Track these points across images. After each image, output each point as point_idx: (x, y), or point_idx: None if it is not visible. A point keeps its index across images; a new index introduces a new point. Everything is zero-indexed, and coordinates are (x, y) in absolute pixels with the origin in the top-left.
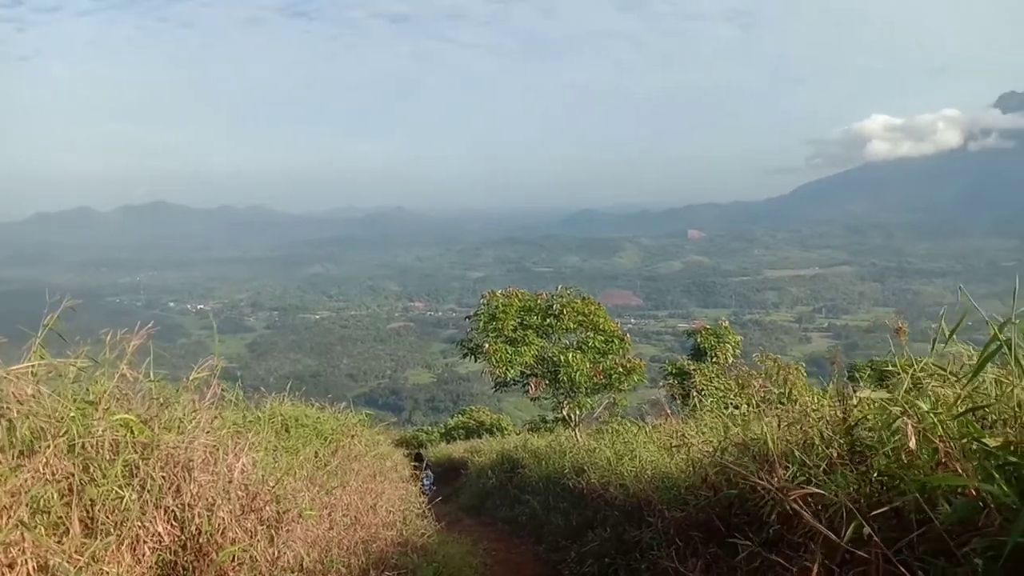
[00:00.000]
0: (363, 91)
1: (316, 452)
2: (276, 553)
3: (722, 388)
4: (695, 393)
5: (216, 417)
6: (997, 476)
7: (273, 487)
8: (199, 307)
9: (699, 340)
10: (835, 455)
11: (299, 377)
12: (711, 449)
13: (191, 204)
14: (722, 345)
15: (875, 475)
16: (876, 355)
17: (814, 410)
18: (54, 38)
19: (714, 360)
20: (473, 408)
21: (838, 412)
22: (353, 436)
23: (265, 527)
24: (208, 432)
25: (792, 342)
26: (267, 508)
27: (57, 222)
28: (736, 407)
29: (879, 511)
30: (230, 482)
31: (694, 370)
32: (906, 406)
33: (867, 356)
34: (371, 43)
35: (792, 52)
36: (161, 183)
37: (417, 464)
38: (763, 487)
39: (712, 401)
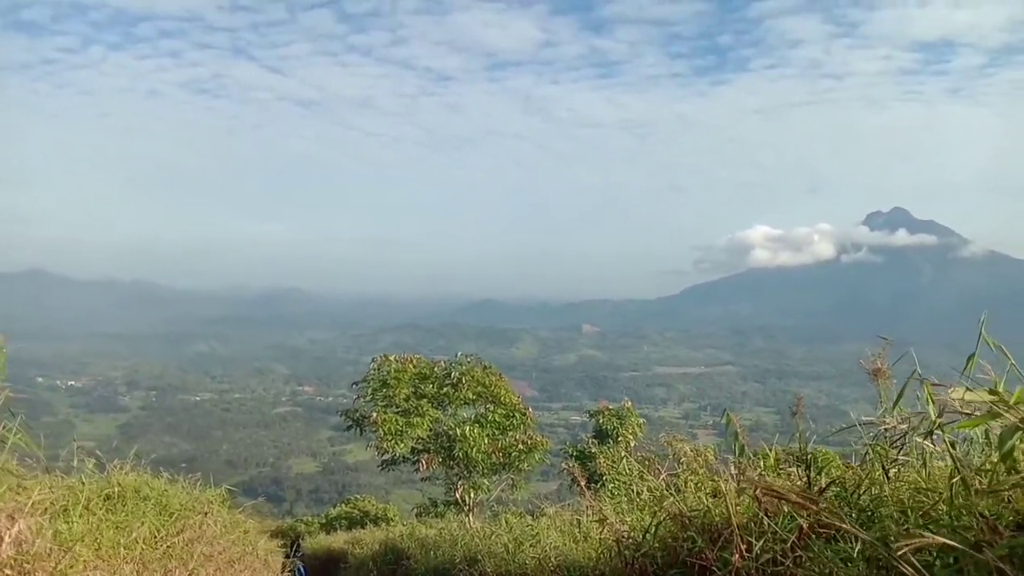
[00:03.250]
0: (264, 171)
1: (156, 530)
2: None
3: (626, 472)
4: (599, 477)
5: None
6: None
7: (59, 563)
8: (69, 383)
9: (601, 421)
10: (805, 526)
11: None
12: (635, 527)
13: (73, 275)
14: (625, 427)
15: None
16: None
17: (771, 475)
18: None
19: (618, 442)
20: (358, 498)
21: (800, 478)
22: (206, 514)
23: None
24: None
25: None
26: None
27: None
28: (639, 493)
29: None
30: None
31: (595, 453)
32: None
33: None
34: (275, 125)
35: (682, 163)
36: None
37: (290, 554)
38: (709, 567)
39: (614, 487)
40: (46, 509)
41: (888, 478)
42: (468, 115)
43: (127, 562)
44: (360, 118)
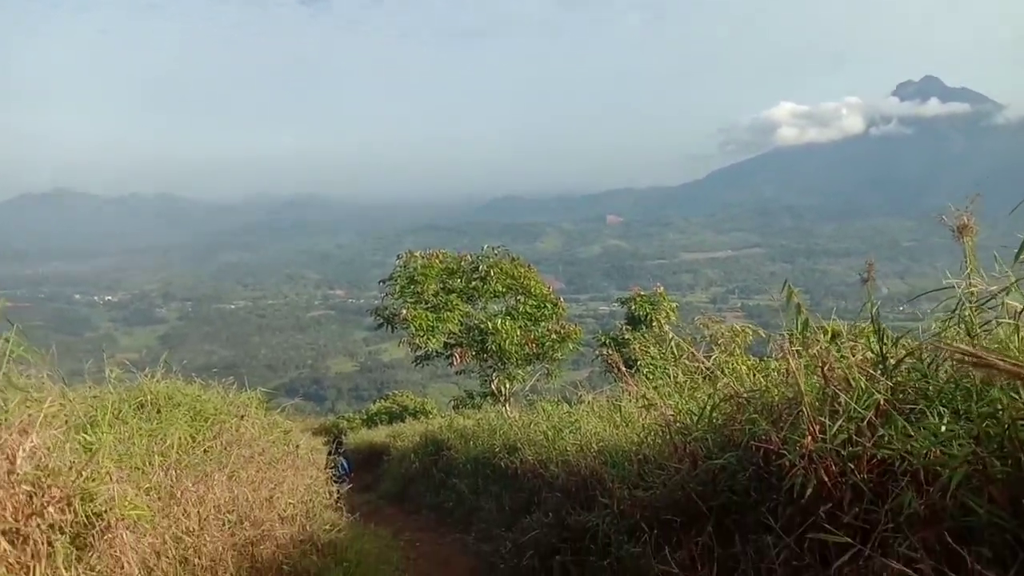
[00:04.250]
0: (273, 79)
1: (191, 436)
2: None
3: (660, 357)
4: (633, 363)
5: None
6: None
7: (79, 478)
8: (107, 299)
9: (634, 307)
10: (882, 402)
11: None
12: (680, 410)
13: (96, 192)
14: (658, 312)
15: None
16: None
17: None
18: None
19: (651, 327)
20: (396, 393)
21: (872, 350)
22: (243, 417)
23: (65, 536)
24: None
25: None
26: (69, 508)
27: None
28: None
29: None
30: (10, 473)
31: (629, 339)
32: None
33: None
34: (280, 28)
35: (701, 42)
36: (64, 170)
37: (333, 450)
38: (776, 450)
39: (649, 371)
40: (65, 421)
41: (975, 345)
42: (475, 4)
43: (161, 469)
44: (365, 15)
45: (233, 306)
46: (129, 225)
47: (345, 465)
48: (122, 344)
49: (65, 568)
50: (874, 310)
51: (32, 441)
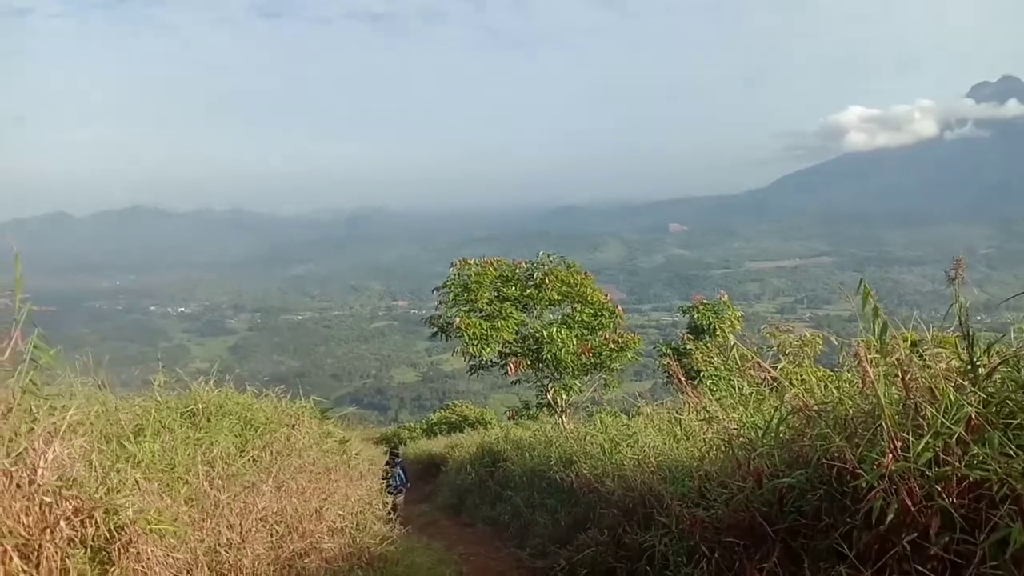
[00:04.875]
0: (337, 91)
1: (240, 446)
2: None
3: (723, 367)
4: (696, 373)
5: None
6: None
7: (102, 489)
8: (180, 310)
9: (696, 317)
10: (973, 416)
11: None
12: (744, 424)
13: (169, 208)
14: (722, 321)
15: None
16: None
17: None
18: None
19: (715, 337)
20: (456, 403)
21: (961, 357)
22: (294, 426)
23: (85, 551)
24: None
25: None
26: (90, 521)
27: (33, 227)
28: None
29: None
30: (31, 483)
31: (691, 349)
32: None
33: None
34: (344, 43)
35: (765, 45)
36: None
37: (390, 461)
38: (851, 469)
39: (712, 383)
40: (100, 431)
41: None
42: (534, 14)
43: (205, 480)
44: (427, 28)
45: (300, 317)
46: (201, 239)
47: (402, 475)
48: (194, 354)
49: None
50: (963, 312)
51: (55, 451)
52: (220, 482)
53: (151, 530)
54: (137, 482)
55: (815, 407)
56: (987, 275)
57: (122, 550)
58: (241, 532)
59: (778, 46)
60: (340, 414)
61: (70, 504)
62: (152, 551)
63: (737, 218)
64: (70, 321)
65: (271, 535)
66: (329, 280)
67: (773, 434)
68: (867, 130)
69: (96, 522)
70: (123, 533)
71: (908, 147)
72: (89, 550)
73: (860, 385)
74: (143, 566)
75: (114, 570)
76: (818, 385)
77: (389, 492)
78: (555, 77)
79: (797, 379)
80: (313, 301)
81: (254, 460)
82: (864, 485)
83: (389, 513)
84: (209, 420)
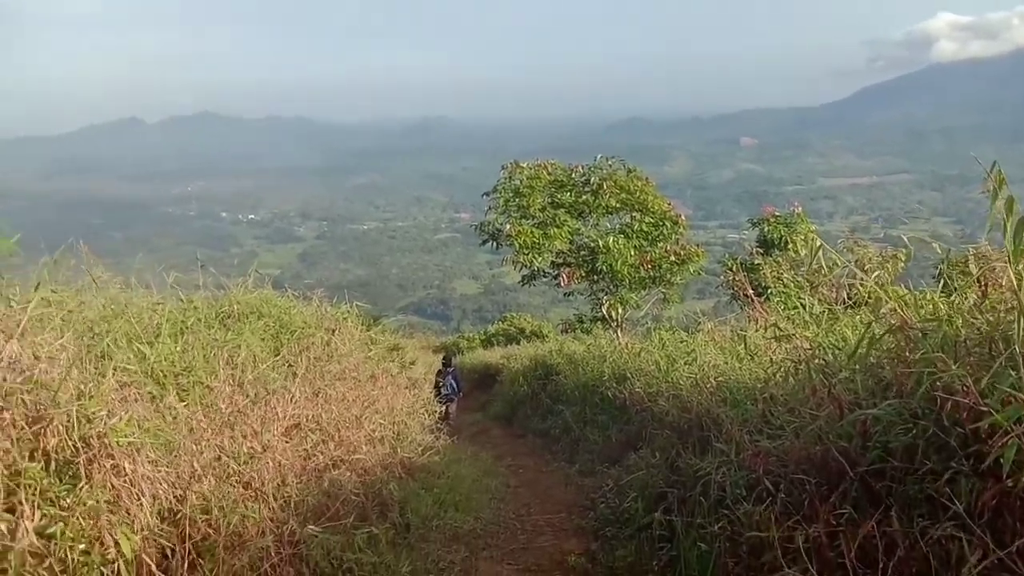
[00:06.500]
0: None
1: (275, 349)
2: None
3: (794, 284)
4: (763, 291)
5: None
6: None
7: (67, 396)
8: (250, 217)
9: (766, 230)
10: None
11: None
12: (820, 344)
13: (238, 114)
14: (794, 235)
15: None
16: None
17: None
18: None
19: (786, 251)
20: (515, 315)
21: None
22: (334, 331)
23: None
24: None
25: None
26: (49, 431)
27: (106, 133)
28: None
29: None
30: None
31: (759, 264)
32: None
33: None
34: None
35: None
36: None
37: (442, 370)
38: (972, 405)
39: (780, 300)
40: (88, 328)
41: None
42: None
43: (228, 384)
44: None
45: (366, 227)
46: (269, 146)
47: (454, 384)
48: (264, 260)
49: (41, 499)
50: None
51: (12, 348)
52: (244, 387)
53: (119, 442)
54: (110, 389)
55: (918, 325)
56: None
57: (90, 463)
58: (261, 440)
59: None
60: (398, 323)
61: (20, 410)
62: (131, 465)
63: (812, 132)
64: (145, 226)
65: (303, 444)
66: (393, 190)
67: (861, 355)
68: (958, 39)
69: (58, 431)
70: (89, 446)
71: (1003, 57)
72: (54, 463)
73: (979, 299)
74: (125, 481)
75: (82, 485)
76: (928, 300)
77: (440, 401)
78: None
79: (888, 295)
80: (378, 211)
81: (289, 365)
82: (987, 428)
83: (438, 422)
84: (240, 322)
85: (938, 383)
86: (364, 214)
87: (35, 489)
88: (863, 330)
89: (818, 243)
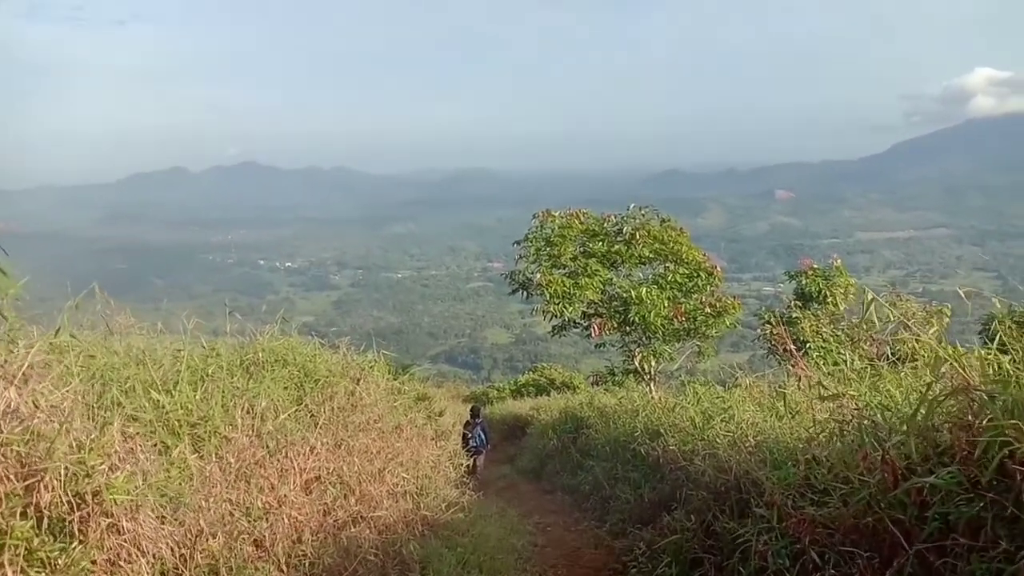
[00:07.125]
0: (443, 53)
1: (298, 399)
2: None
3: (833, 339)
4: (801, 344)
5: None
6: None
7: (64, 448)
8: (287, 265)
9: (804, 282)
10: None
11: (381, 334)
12: (868, 404)
13: (279, 164)
14: (833, 288)
15: None
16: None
17: None
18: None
19: (825, 304)
20: (545, 365)
21: None
22: (359, 381)
23: (42, 520)
24: None
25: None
26: (41, 487)
27: (153, 182)
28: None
29: None
30: None
31: (798, 317)
32: None
33: (966, 322)
34: (448, 3)
35: (887, 2)
36: (250, 144)
37: (471, 421)
38: None
39: (819, 355)
40: (101, 376)
41: None
42: None
43: (246, 434)
44: None
45: (400, 275)
46: (308, 196)
47: (482, 436)
48: (300, 307)
49: (30, 560)
50: None
51: (11, 396)
52: (263, 438)
53: (115, 499)
54: (113, 441)
55: (983, 387)
56: None
57: (85, 522)
58: (277, 494)
59: (900, 2)
60: (427, 372)
61: (13, 463)
62: (131, 525)
63: (848, 186)
64: (186, 273)
65: (322, 499)
66: (428, 240)
67: (918, 418)
68: (996, 94)
69: (51, 486)
70: (84, 502)
71: None
72: (47, 521)
73: None
74: (123, 540)
75: (75, 545)
76: (988, 358)
77: (468, 453)
78: (662, 35)
79: (951, 353)
80: (412, 260)
81: (311, 415)
82: None
83: (464, 476)
84: (264, 370)
85: (1013, 453)
86: (399, 263)
87: (24, 549)
88: (919, 390)
89: (870, 296)
